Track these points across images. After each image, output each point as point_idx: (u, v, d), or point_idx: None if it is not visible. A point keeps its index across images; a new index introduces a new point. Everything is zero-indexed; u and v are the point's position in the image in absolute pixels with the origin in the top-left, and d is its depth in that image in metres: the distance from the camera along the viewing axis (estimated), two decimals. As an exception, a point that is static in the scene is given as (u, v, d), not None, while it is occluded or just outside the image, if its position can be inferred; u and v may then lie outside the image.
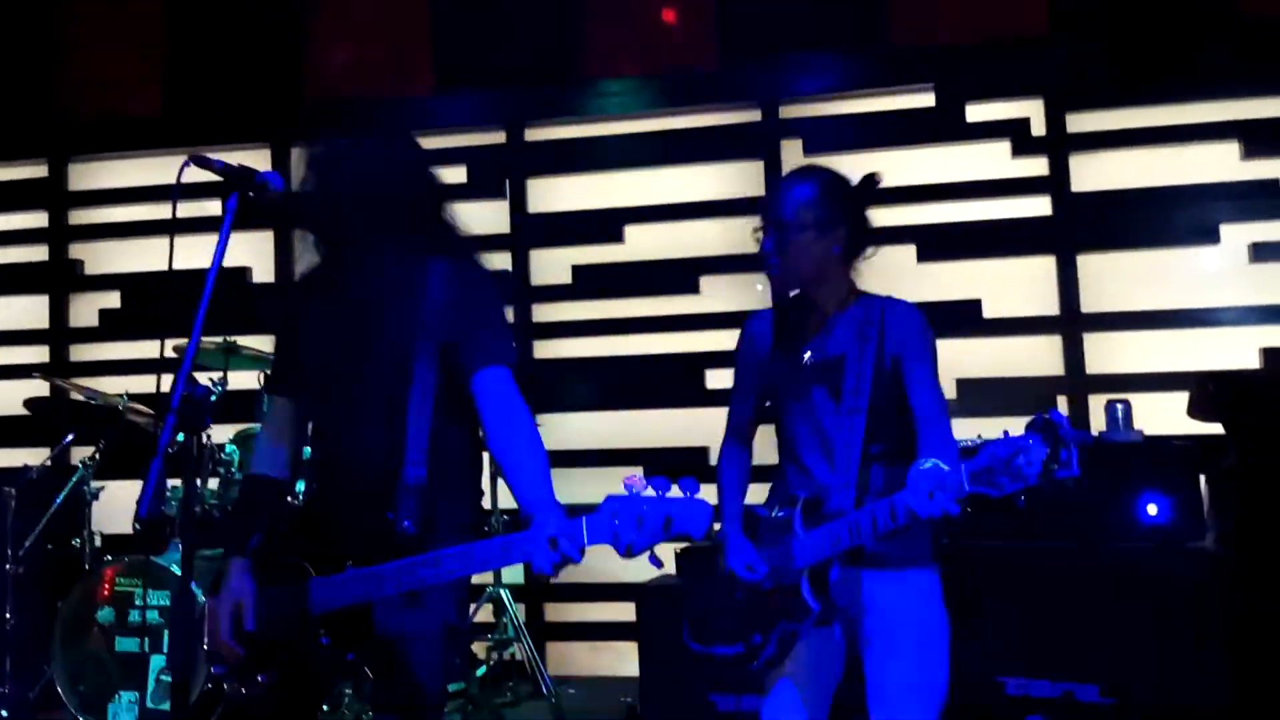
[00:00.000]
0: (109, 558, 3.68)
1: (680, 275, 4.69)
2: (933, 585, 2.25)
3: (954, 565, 3.14)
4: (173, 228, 2.07)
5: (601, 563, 4.52)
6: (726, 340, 2.70)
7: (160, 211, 5.23)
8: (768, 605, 2.24)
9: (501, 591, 3.90)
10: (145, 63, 5.33)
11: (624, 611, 4.39)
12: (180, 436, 1.87)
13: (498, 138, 5.02)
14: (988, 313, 4.46)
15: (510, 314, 4.76)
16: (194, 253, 5.11)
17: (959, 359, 4.39)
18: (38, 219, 5.42)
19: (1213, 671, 2.97)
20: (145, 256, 5.26)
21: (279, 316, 2.34)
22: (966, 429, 3.57)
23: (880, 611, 2.21)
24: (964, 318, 4.43)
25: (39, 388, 4.69)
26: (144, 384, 4.86)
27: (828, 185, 2.33)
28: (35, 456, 4.52)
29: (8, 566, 3.89)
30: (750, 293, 4.51)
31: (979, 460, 1.85)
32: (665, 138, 4.83)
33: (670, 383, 4.66)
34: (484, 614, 3.95)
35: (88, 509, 4.05)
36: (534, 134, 5.00)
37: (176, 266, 5.22)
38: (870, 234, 2.37)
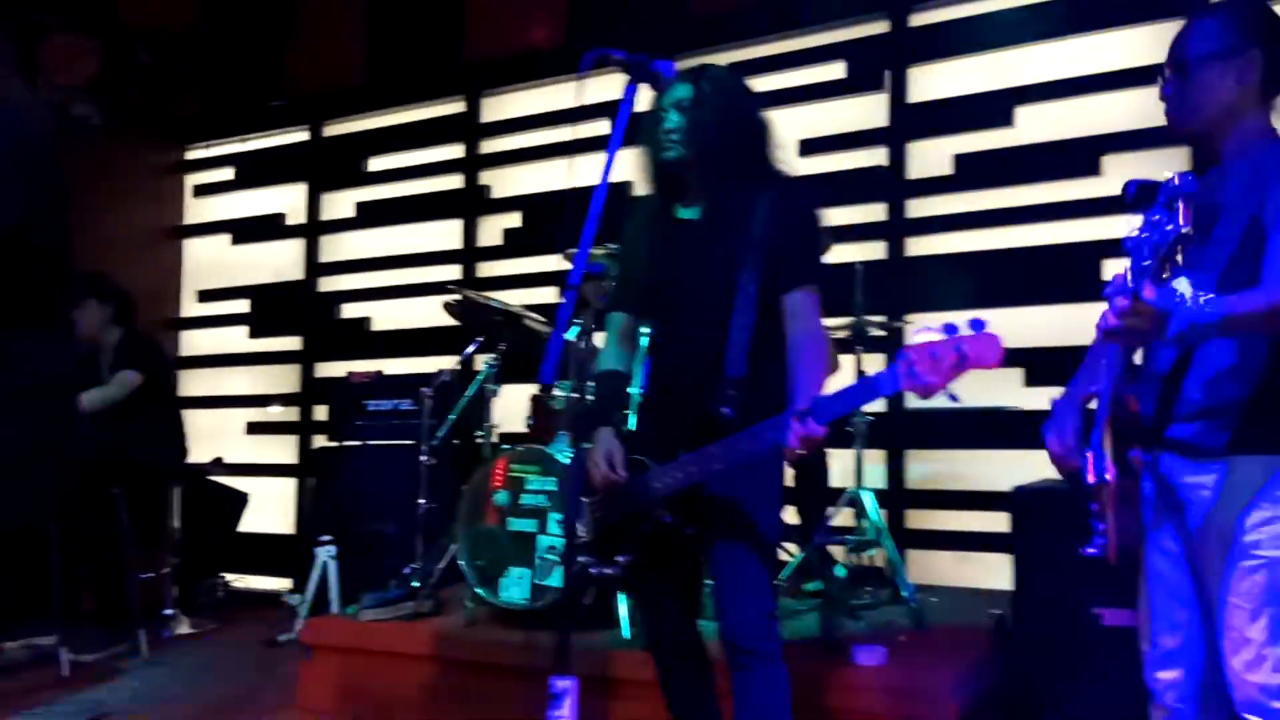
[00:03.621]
0: (505, 447, 3.93)
1: (1078, 156, 4.19)
2: None
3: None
4: (571, 145, 2.21)
5: (971, 468, 4.28)
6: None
7: (557, 136, 5.57)
8: None
9: (862, 494, 3.75)
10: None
11: (992, 521, 4.17)
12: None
13: (880, 27, 4.77)
14: None
15: (885, 211, 4.65)
16: (585, 173, 5.46)
17: None
18: (455, 150, 5.97)
19: None
20: (543, 178, 5.63)
21: (624, 234, 2.59)
22: None
23: None
24: None
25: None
26: (539, 296, 5.23)
27: (1238, 7, 1.99)
28: (447, 363, 5.08)
29: (422, 457, 4.34)
30: (1161, 170, 3.89)
31: None
32: (1065, 5, 4.31)
33: (1059, 276, 4.20)
34: (844, 518, 3.83)
35: (488, 407, 4.38)
36: (919, 19, 4.69)
37: (570, 185, 5.65)
38: None
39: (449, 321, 5.37)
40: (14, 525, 4.36)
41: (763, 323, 2.29)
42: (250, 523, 6.00)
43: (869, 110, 4.73)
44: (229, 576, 5.90)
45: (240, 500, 5.97)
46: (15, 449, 2.08)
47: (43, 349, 2.24)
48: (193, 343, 6.78)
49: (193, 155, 6.92)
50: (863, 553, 3.78)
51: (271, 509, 6.25)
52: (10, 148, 1.98)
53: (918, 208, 4.61)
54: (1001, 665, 3.11)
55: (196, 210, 6.90)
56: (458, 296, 4.45)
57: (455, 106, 5.98)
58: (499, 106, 5.86)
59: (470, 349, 4.57)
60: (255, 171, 6.68)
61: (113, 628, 4.69)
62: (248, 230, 6.66)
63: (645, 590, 2.49)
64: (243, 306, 6.63)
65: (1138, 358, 2.00)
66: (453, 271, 5.88)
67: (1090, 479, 1.92)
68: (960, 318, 1.79)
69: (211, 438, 6.25)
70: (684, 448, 2.23)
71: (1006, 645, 3.11)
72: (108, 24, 6.10)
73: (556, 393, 4.10)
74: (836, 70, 4.80)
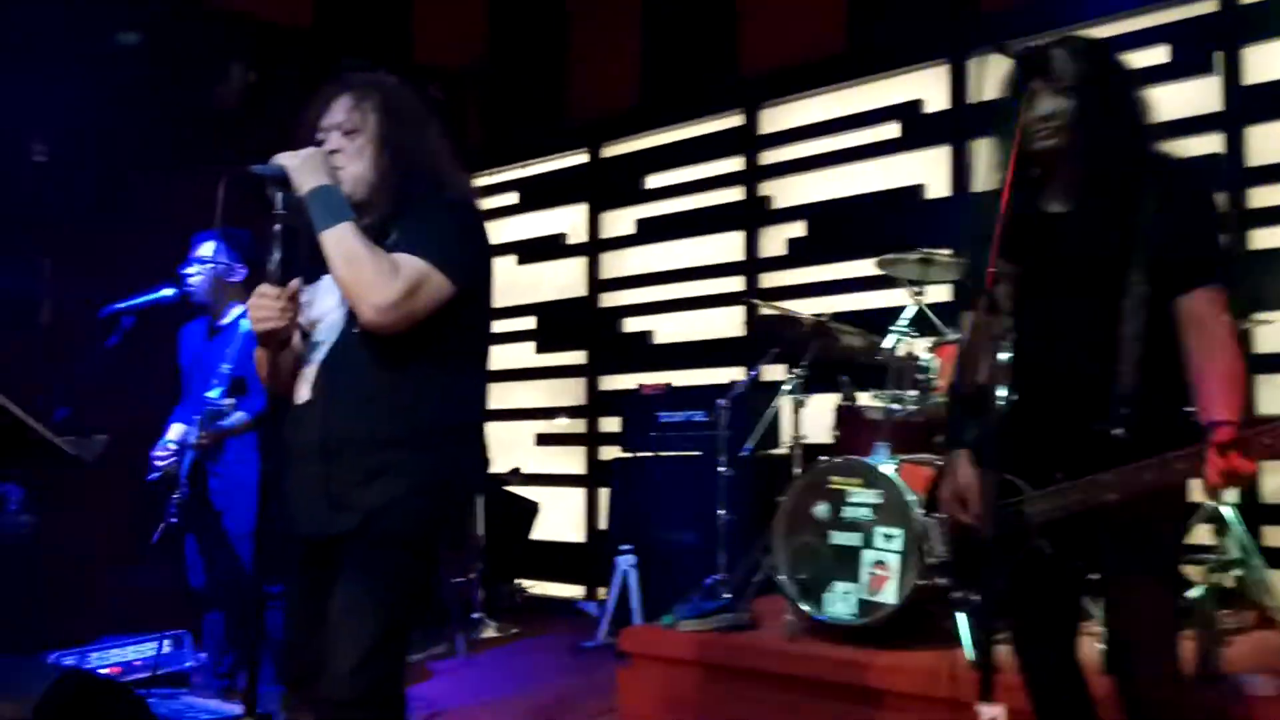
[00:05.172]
0: (823, 459, 3.81)
1: None
2: None
3: None
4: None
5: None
6: None
7: (839, 143, 5.50)
8: None
9: (1224, 510, 3.44)
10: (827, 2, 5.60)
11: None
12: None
13: (1207, 7, 4.42)
14: None
15: (1222, 201, 4.25)
16: (870, 178, 5.35)
17: None
18: (734, 164, 5.99)
19: None
20: (826, 186, 5.56)
21: (970, 232, 2.33)
22: None
23: None
24: None
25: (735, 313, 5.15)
26: (825, 305, 5.13)
27: None
28: (729, 374, 5.06)
29: (721, 469, 4.34)
30: None
31: None
32: None
33: None
34: (1200, 534, 3.53)
35: (795, 418, 4.26)
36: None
37: (855, 192, 5.53)
38: None
39: (730, 333, 5.37)
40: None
41: (1154, 330, 2.02)
42: (541, 531, 6.25)
43: (1199, 94, 4.36)
44: (524, 583, 6.16)
45: (532, 509, 6.24)
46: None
47: None
48: (483, 359, 7.13)
49: (479, 182, 7.30)
50: (1224, 573, 3.47)
51: (561, 518, 6.47)
52: None
53: (1263, 196, 4.22)
54: None
55: (484, 233, 7.27)
56: (760, 309, 4.44)
57: (734, 120, 6.00)
58: (778, 117, 5.84)
59: (765, 360, 4.55)
60: (538, 194, 6.96)
61: (429, 629, 4.98)
62: (532, 250, 6.94)
63: (1020, 620, 2.26)
64: (529, 323, 6.91)
65: None
66: (735, 283, 5.89)
67: None
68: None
69: (503, 449, 6.55)
70: (1062, 470, 2.04)
71: None
72: (404, 65, 6.54)
73: (872, 402, 4.02)
74: (1159, 55, 4.46)
